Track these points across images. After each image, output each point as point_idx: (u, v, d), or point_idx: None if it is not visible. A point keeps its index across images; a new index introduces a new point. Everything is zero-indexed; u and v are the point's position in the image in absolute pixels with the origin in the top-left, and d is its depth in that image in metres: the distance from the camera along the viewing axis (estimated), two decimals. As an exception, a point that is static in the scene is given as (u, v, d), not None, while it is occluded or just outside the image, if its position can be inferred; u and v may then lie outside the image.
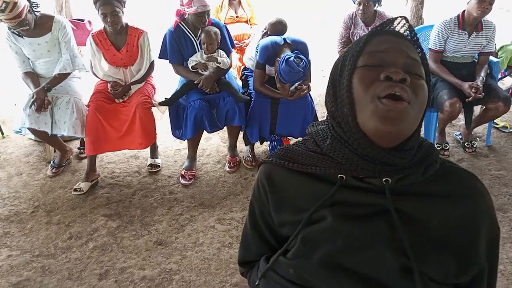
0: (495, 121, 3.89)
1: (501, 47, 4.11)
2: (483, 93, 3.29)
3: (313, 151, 0.98)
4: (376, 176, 0.90)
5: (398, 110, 0.83)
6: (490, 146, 3.77)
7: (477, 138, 3.83)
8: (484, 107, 3.53)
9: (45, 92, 3.19)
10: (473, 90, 3.28)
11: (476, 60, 3.61)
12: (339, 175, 0.93)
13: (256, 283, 1.05)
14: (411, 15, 4.48)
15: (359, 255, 0.89)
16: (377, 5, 3.82)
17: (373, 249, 0.89)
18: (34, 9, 3.21)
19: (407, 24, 0.95)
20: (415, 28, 4.12)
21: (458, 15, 3.47)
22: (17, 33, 3.20)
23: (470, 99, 3.29)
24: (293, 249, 0.97)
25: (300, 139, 1.14)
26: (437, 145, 3.68)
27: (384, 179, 0.91)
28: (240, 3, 4.54)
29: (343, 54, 0.96)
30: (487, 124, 3.77)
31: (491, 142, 3.79)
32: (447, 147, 3.67)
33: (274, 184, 1.02)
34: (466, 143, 3.71)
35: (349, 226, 0.90)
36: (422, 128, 3.71)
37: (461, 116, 3.68)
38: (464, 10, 3.44)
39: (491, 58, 3.67)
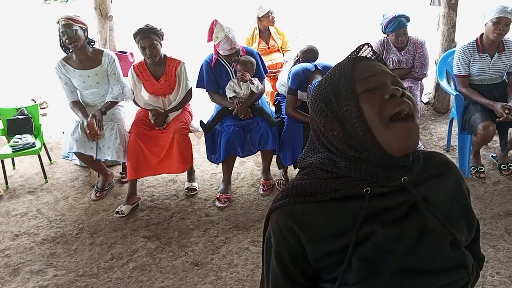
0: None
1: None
2: None
3: (329, 177, 1.02)
4: (397, 179, 1.01)
5: (413, 128, 0.95)
6: (527, 168, 3.71)
7: (514, 160, 3.78)
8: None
9: (101, 114, 3.46)
10: (506, 111, 3.27)
11: (506, 79, 3.61)
12: (365, 190, 0.99)
13: None
14: (443, 39, 4.49)
15: (421, 252, 0.98)
16: None
17: (427, 240, 0.99)
18: (90, 44, 3.55)
19: (371, 49, 1.06)
20: (448, 52, 4.15)
21: (476, 39, 3.51)
22: (64, 47, 3.50)
23: (501, 119, 3.28)
24: (353, 273, 0.96)
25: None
26: (472, 167, 3.66)
27: (402, 179, 1.01)
28: (270, 34, 4.69)
29: (327, 85, 1.02)
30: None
31: (528, 164, 3.73)
32: (483, 170, 3.64)
33: (303, 222, 1.01)
34: (502, 165, 3.66)
35: (398, 230, 0.98)
36: (456, 151, 3.73)
37: (497, 138, 3.65)
38: (482, 34, 3.48)
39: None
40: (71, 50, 3.51)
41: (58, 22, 3.38)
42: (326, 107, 1.01)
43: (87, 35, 3.50)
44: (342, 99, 0.98)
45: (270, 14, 4.56)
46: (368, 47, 1.06)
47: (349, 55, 1.05)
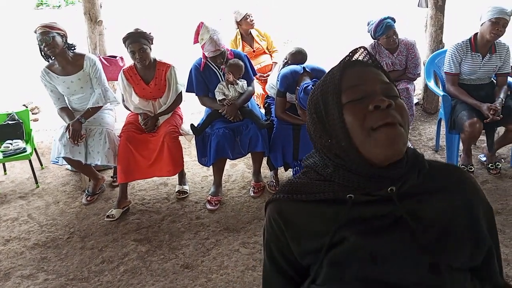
0: (519, 142, 3.87)
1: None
2: (502, 115, 3.32)
3: (318, 179, 1.04)
4: (383, 189, 0.99)
5: (395, 134, 0.93)
6: (515, 167, 3.75)
7: (502, 160, 3.81)
8: (505, 128, 3.53)
9: (80, 124, 3.43)
10: (491, 112, 3.31)
11: (494, 81, 3.66)
12: (348, 195, 0.99)
13: None
14: (430, 40, 4.54)
15: (389, 265, 0.96)
16: None
17: (399, 256, 0.96)
18: (70, 49, 3.54)
19: (367, 52, 1.04)
20: (435, 53, 4.20)
21: (470, 38, 3.55)
22: (44, 55, 3.50)
23: (488, 120, 3.32)
24: (322, 274, 1.00)
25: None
26: (462, 166, 3.69)
27: (389, 189, 0.98)
28: (252, 37, 4.70)
29: (318, 92, 1.03)
30: (511, 146, 3.75)
31: (516, 163, 3.77)
32: (472, 170, 3.67)
33: (288, 218, 1.05)
34: (490, 164, 3.70)
35: (372, 240, 0.97)
36: (445, 151, 3.76)
37: (484, 138, 3.69)
38: (476, 33, 3.53)
39: (511, 80, 3.69)
40: (53, 58, 3.52)
41: (35, 31, 3.39)
42: (315, 114, 1.02)
43: (65, 40, 3.49)
44: (329, 108, 0.99)
45: (248, 17, 4.56)
46: (364, 51, 1.04)
47: (342, 59, 1.03)
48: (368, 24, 4.01)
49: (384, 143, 0.92)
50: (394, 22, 3.90)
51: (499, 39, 3.48)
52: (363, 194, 1.00)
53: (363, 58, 1.03)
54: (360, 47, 1.04)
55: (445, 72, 3.66)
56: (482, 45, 3.51)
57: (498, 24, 3.33)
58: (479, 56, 3.52)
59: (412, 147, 4.00)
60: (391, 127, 0.92)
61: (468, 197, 1.04)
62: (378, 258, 0.96)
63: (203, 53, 3.47)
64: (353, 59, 1.03)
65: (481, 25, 3.45)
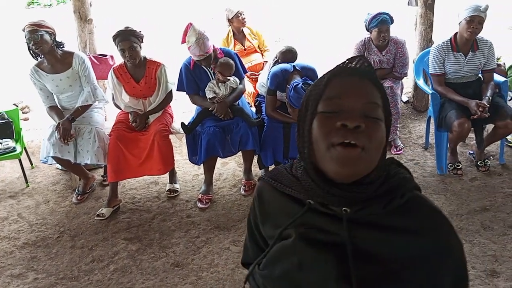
0: (508, 139, 3.91)
1: (510, 67, 4.16)
2: (489, 113, 3.34)
3: (292, 174, 1.05)
4: (336, 206, 0.96)
5: (352, 156, 0.89)
6: (504, 165, 3.77)
7: (491, 157, 3.84)
8: (494, 125, 3.56)
9: (69, 122, 3.42)
10: (480, 109, 3.33)
11: (481, 77, 3.69)
12: (307, 200, 1.00)
13: (243, 287, 1.19)
14: (420, 38, 4.56)
15: (308, 276, 0.96)
16: None
17: (321, 274, 0.94)
18: (59, 47, 3.52)
19: (366, 63, 0.97)
20: (424, 51, 4.22)
21: (451, 38, 3.59)
22: (33, 53, 3.49)
23: (475, 117, 3.35)
24: (264, 262, 1.07)
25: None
26: (449, 164, 3.72)
27: (343, 208, 0.94)
28: (244, 36, 4.71)
29: (307, 93, 1.02)
30: (500, 143, 3.78)
31: (504, 161, 3.79)
32: (460, 167, 3.70)
33: (263, 200, 1.13)
34: (479, 161, 3.73)
35: (305, 248, 0.97)
36: (434, 149, 3.79)
37: (473, 136, 3.72)
38: (456, 33, 3.57)
39: (499, 78, 3.72)
40: (41, 56, 3.51)
41: (23, 30, 3.37)
42: (299, 113, 1.03)
43: (54, 38, 3.47)
44: (307, 112, 0.98)
45: (239, 15, 4.57)
46: (362, 60, 0.97)
47: (337, 65, 0.99)
48: (368, 14, 4.04)
49: (337, 162, 0.90)
50: (392, 22, 3.93)
51: (481, 36, 3.53)
52: (320, 204, 0.99)
53: (364, 68, 0.97)
54: (360, 56, 0.98)
55: (430, 73, 3.70)
56: (462, 44, 3.54)
57: (473, 22, 3.38)
58: (461, 55, 3.55)
59: (401, 145, 4.04)
60: (350, 147, 0.89)
61: (435, 247, 0.94)
62: (304, 268, 0.97)
63: None
64: (349, 66, 0.97)
65: (459, 24, 3.49)
